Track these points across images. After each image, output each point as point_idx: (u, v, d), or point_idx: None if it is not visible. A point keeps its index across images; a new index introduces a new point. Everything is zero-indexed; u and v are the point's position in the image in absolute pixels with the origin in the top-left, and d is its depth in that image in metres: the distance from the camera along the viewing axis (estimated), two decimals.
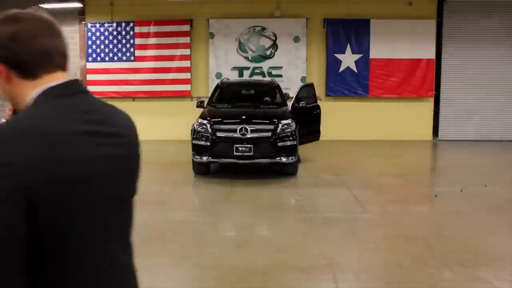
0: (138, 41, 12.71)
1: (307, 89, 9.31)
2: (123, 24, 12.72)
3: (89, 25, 12.81)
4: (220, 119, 7.84)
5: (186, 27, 12.62)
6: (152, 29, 12.63)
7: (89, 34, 12.82)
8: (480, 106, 12.75)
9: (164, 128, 12.73)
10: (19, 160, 0.98)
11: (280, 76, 12.41)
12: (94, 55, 12.89)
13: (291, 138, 7.62)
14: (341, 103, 12.72)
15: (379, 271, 4.06)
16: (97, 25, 12.79)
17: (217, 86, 9.46)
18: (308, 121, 8.80)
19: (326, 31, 12.57)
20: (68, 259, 1.06)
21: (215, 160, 7.69)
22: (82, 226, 1.08)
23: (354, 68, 12.55)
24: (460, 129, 12.86)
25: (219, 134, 7.59)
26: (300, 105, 8.76)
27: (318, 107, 9.20)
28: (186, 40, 12.66)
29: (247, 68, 12.69)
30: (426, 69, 12.52)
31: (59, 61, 1.18)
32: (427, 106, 12.83)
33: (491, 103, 12.72)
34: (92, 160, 1.10)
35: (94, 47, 12.85)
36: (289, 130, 7.67)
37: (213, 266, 4.13)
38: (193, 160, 7.80)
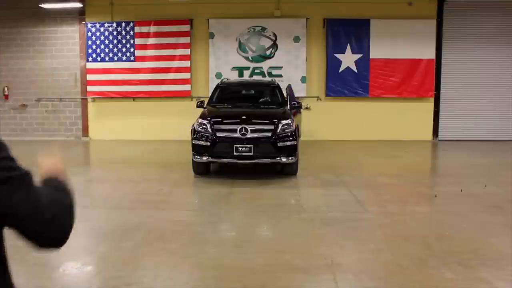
0: (138, 41, 12.72)
1: (289, 91, 9.47)
2: (123, 24, 12.72)
3: (89, 25, 12.82)
4: (220, 119, 7.83)
5: (186, 27, 12.63)
6: (152, 29, 12.64)
7: (89, 34, 12.83)
8: (480, 106, 12.75)
9: (164, 128, 12.74)
10: None
11: (280, 76, 12.42)
12: (94, 55, 12.89)
13: (291, 138, 7.61)
14: (341, 103, 12.73)
15: (379, 271, 4.06)
16: (97, 25, 12.79)
17: (217, 86, 9.46)
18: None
19: (326, 31, 12.58)
20: None
21: (215, 160, 7.68)
22: None
23: (354, 68, 12.55)
24: (460, 129, 12.87)
25: (219, 134, 7.58)
26: (295, 105, 8.89)
27: (300, 107, 9.44)
28: (186, 40, 12.66)
29: (247, 68, 12.69)
30: (426, 69, 12.53)
31: None
32: (427, 106, 12.84)
33: (491, 103, 12.72)
34: None
35: (94, 47, 12.85)
36: (289, 130, 7.66)
37: (213, 266, 4.13)
38: (193, 160, 7.80)
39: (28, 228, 1.14)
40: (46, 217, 1.15)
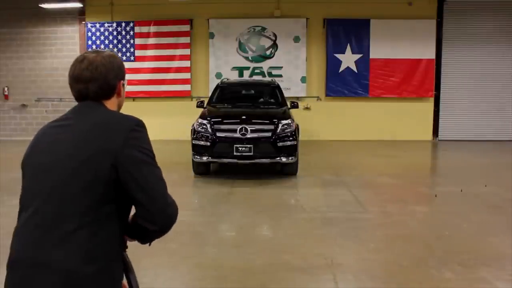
0: (138, 41, 12.71)
1: None
2: (123, 24, 12.72)
3: (89, 25, 12.81)
4: (220, 119, 7.84)
5: (186, 27, 12.62)
6: (152, 29, 12.63)
7: (89, 34, 12.82)
8: (480, 106, 12.74)
9: (164, 128, 12.72)
10: None
11: (280, 76, 12.42)
12: None
13: (291, 138, 7.62)
14: (341, 103, 12.72)
15: (379, 271, 4.06)
16: (97, 25, 12.79)
17: (217, 86, 9.46)
18: None
19: (326, 31, 12.57)
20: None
21: (215, 160, 7.68)
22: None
23: (354, 68, 12.55)
24: (460, 129, 12.87)
25: (219, 134, 7.58)
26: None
27: None
28: (186, 40, 12.66)
29: (247, 68, 12.68)
30: (426, 69, 12.52)
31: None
32: (427, 106, 12.83)
33: (491, 103, 12.71)
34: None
35: (94, 47, 12.84)
36: (289, 130, 7.66)
37: (213, 266, 4.13)
38: (193, 160, 7.80)
39: (152, 206, 1.54)
40: (168, 203, 1.58)
